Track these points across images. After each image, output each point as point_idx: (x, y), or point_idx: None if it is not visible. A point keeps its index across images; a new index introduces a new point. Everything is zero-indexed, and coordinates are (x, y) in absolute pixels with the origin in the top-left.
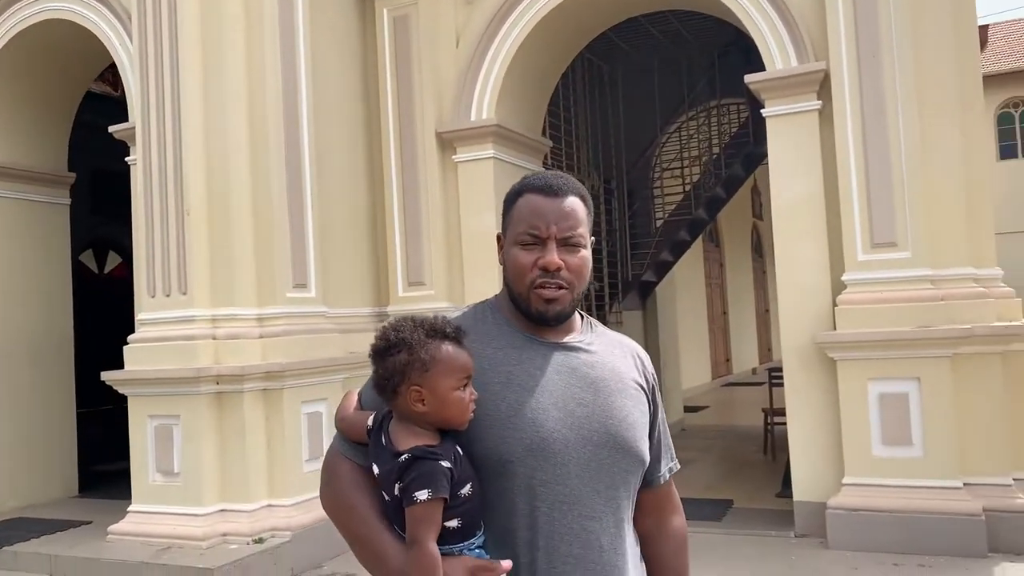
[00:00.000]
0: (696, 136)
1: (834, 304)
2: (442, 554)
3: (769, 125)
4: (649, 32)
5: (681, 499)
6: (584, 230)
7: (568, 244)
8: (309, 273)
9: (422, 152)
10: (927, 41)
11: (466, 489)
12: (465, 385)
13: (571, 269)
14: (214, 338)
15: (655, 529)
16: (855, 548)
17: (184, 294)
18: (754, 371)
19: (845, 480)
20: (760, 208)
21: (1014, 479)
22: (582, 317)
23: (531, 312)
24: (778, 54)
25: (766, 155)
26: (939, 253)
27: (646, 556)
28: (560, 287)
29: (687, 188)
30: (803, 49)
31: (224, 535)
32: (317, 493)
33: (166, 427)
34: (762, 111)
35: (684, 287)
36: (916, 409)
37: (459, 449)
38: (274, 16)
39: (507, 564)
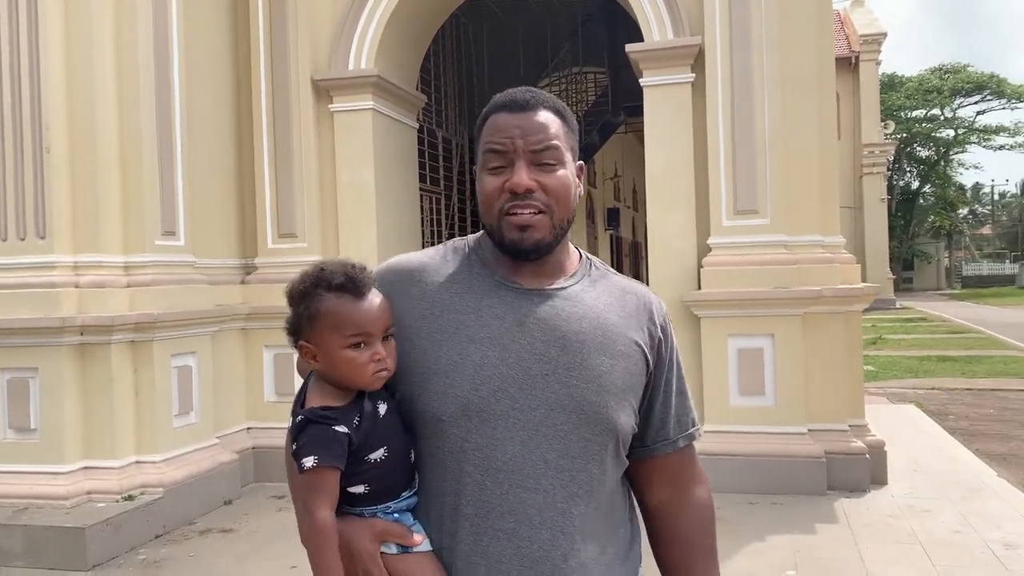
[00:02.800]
0: (561, 99)
1: (699, 266)
2: (353, 516)
3: (646, 94)
4: None
5: None
6: (561, 145)
7: (542, 163)
8: (178, 221)
9: (296, 99)
10: (792, 23)
11: (377, 454)
12: (359, 343)
13: (547, 190)
14: (77, 286)
15: (672, 503)
16: (715, 490)
17: (42, 238)
18: None
19: (705, 428)
20: (594, 176)
21: (849, 425)
22: (587, 261)
23: (505, 244)
24: (656, 26)
25: (622, 124)
26: (794, 221)
27: (664, 533)
28: (536, 211)
29: None
30: (680, 23)
31: (90, 493)
32: (189, 448)
33: (21, 380)
34: (640, 80)
35: None
36: (769, 363)
37: (381, 408)
38: None
39: (419, 538)
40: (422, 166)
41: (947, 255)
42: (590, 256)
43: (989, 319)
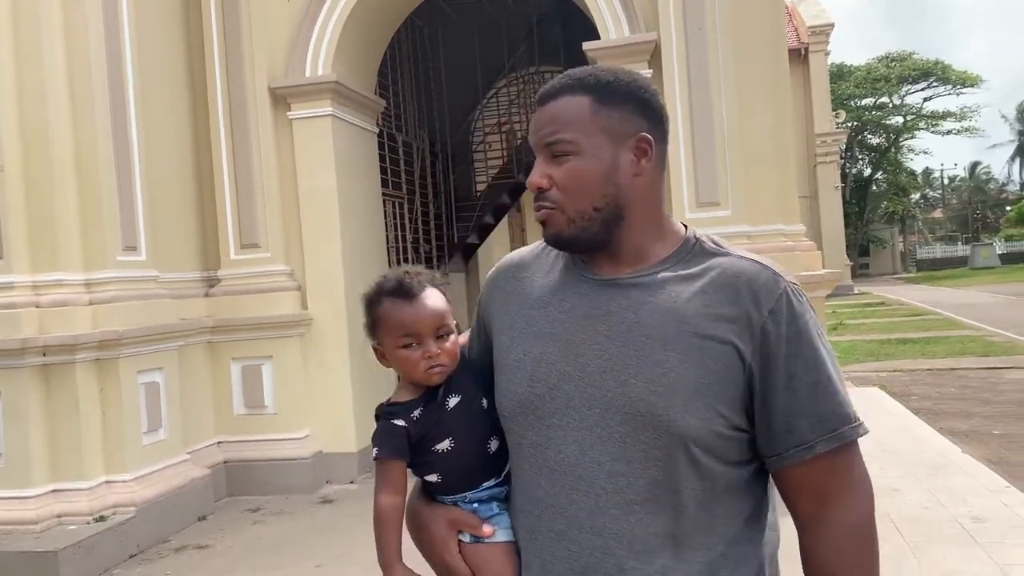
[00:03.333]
0: (517, 101)
1: None
2: (436, 503)
3: None
4: None
5: None
6: (574, 133)
7: (554, 156)
8: (139, 236)
9: (253, 108)
10: (745, 16)
11: (443, 445)
12: (410, 344)
13: (557, 184)
14: (37, 306)
15: (813, 520)
16: None
17: (0, 259)
18: None
19: None
20: None
21: None
22: (692, 241)
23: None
24: (612, 24)
25: None
26: (755, 212)
27: (804, 556)
28: (543, 208)
29: (508, 153)
30: (635, 20)
31: (60, 516)
32: (160, 465)
33: None
34: None
35: (495, 251)
36: None
37: (451, 401)
38: None
39: (488, 530)
40: (383, 171)
41: (901, 240)
42: (700, 236)
43: (944, 301)
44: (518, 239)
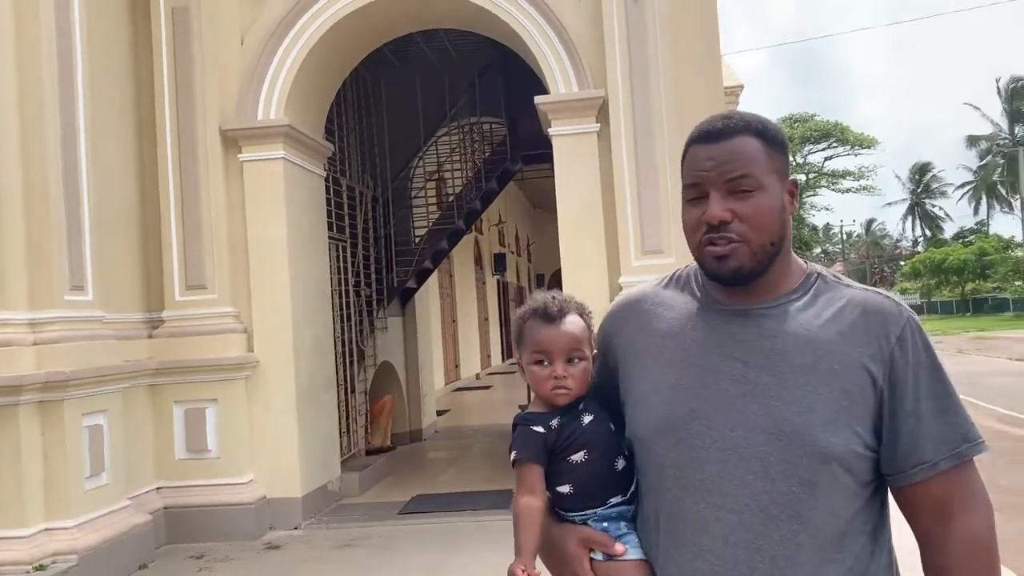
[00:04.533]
0: (458, 150)
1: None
2: (564, 521)
3: (555, 143)
4: (418, 47)
5: (466, 493)
6: (759, 171)
7: (738, 191)
8: (86, 275)
9: (203, 149)
10: (687, 76)
11: (578, 456)
12: (541, 360)
13: (743, 219)
14: None
15: (936, 534)
16: None
17: None
18: (477, 376)
19: None
20: (480, 223)
21: None
22: (814, 275)
23: (708, 273)
24: (561, 80)
25: (518, 172)
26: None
27: (927, 568)
28: (730, 241)
29: (448, 199)
30: (584, 76)
31: None
32: (102, 511)
33: None
34: (549, 130)
35: (429, 295)
36: None
37: (585, 418)
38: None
39: (620, 548)
40: (328, 214)
41: None
42: (820, 270)
43: None
44: (447, 284)
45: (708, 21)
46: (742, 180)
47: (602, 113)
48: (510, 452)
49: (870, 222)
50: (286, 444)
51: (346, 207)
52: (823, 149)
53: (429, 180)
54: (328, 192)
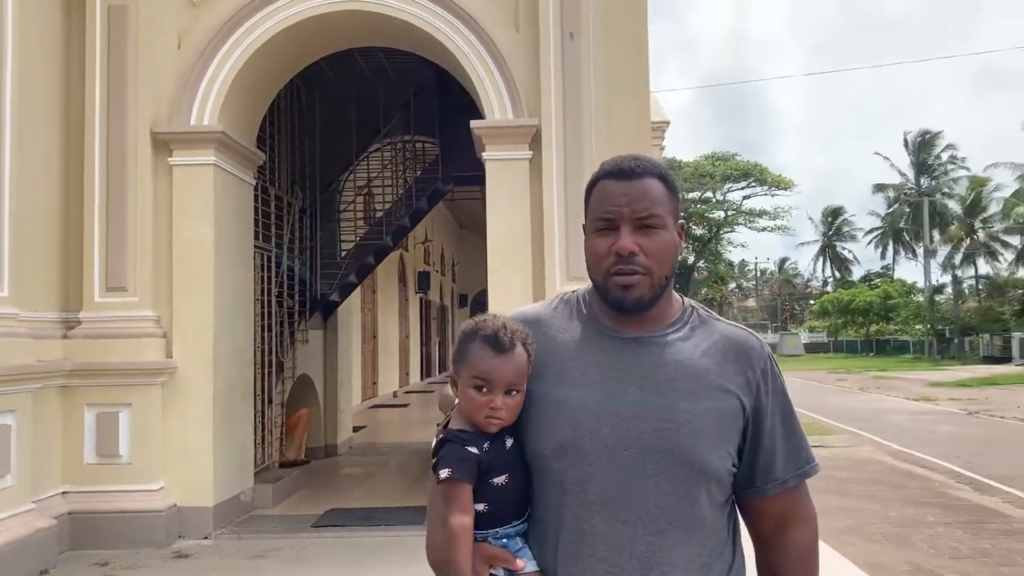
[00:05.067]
0: (390, 167)
1: None
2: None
3: (488, 167)
4: (355, 63)
5: (379, 509)
6: (662, 211)
7: (645, 227)
8: (2, 272)
9: (133, 151)
10: (616, 114)
11: (500, 479)
12: (479, 387)
13: (648, 253)
14: None
15: (774, 539)
16: None
17: None
18: (395, 394)
19: None
20: (406, 241)
21: None
22: (689, 309)
23: (609, 300)
24: (496, 106)
25: (448, 192)
26: None
27: (764, 568)
28: (636, 272)
29: (377, 215)
30: (519, 104)
31: None
32: (4, 514)
33: None
34: (483, 154)
35: (348, 311)
36: None
37: (508, 441)
38: None
39: (521, 563)
40: (255, 223)
41: None
42: (694, 304)
43: None
44: (369, 299)
45: (639, 58)
46: (649, 218)
47: (535, 141)
48: (436, 467)
49: (783, 260)
50: (200, 452)
51: (273, 216)
52: (742, 188)
53: (358, 195)
54: (256, 201)
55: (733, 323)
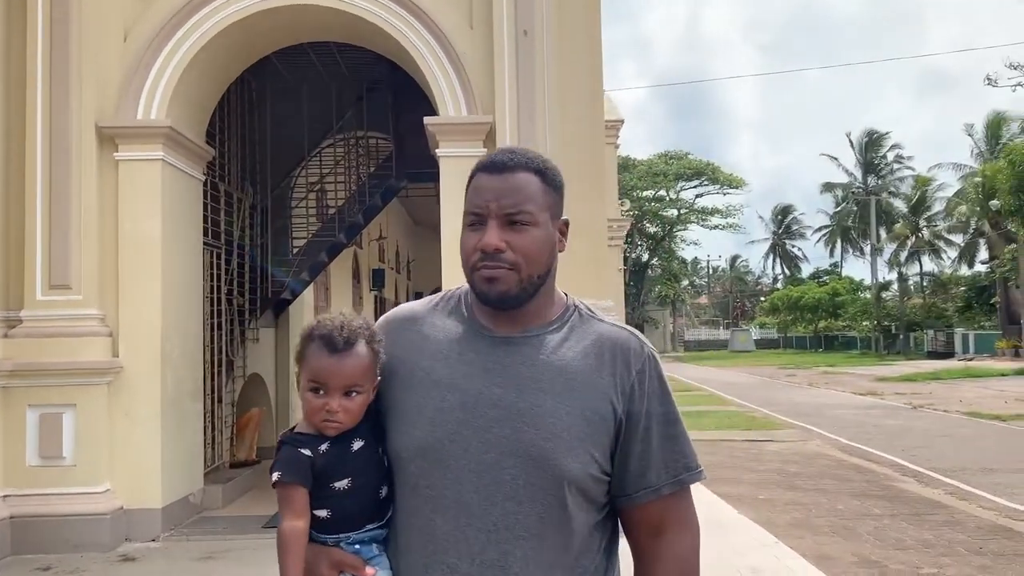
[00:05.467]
0: (344, 163)
1: None
2: (317, 543)
3: (442, 164)
4: (307, 58)
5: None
6: (534, 207)
7: (514, 222)
8: None
9: (77, 146)
10: (572, 107)
11: (342, 483)
12: (318, 390)
13: (516, 249)
14: None
15: (649, 549)
16: None
17: None
18: None
19: None
20: (361, 238)
21: None
22: (571, 308)
23: (477, 295)
24: (450, 102)
25: (402, 189)
26: (573, 287)
27: (638, 574)
28: (500, 267)
29: (330, 212)
30: (472, 100)
31: None
32: None
33: None
34: (436, 151)
35: (304, 308)
36: None
37: (355, 444)
38: None
39: (370, 571)
40: (204, 219)
41: (672, 321)
42: (580, 303)
43: (710, 379)
44: (322, 297)
45: (593, 56)
46: (518, 214)
47: (489, 138)
48: (272, 471)
49: (735, 258)
50: (148, 453)
51: (223, 213)
52: (695, 186)
53: (311, 191)
54: (206, 197)
55: (616, 323)
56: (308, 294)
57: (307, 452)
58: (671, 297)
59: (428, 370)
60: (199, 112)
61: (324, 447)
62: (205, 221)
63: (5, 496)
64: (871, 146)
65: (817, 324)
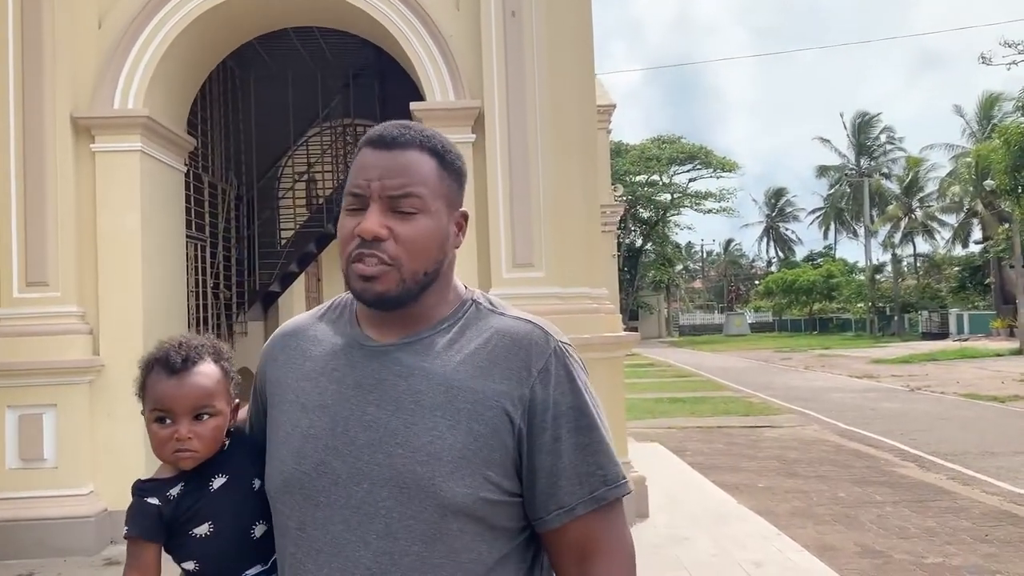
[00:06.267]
0: (330, 151)
1: None
2: None
3: None
4: (291, 44)
5: None
6: (425, 191)
7: (399, 209)
8: None
9: (52, 137)
10: (562, 91)
11: (201, 529)
12: (163, 418)
13: (400, 240)
14: None
15: None
16: None
17: None
18: None
19: None
20: None
21: None
22: (468, 303)
23: (353, 292)
24: (437, 87)
25: None
26: (565, 274)
27: None
28: (381, 262)
29: (318, 202)
30: (460, 85)
31: None
32: None
33: None
34: None
35: (294, 299)
36: None
37: (216, 482)
38: None
39: None
40: (187, 211)
41: (666, 306)
42: (482, 296)
43: (706, 364)
44: (314, 288)
45: (584, 39)
46: (404, 199)
47: (478, 123)
48: (124, 525)
49: (729, 242)
50: (132, 453)
51: (207, 205)
52: (688, 170)
53: (298, 181)
54: (188, 188)
55: (520, 315)
56: (299, 285)
57: (154, 501)
58: (665, 282)
59: (299, 392)
60: (179, 101)
61: (176, 491)
62: (188, 213)
63: None
64: (864, 127)
65: (812, 307)
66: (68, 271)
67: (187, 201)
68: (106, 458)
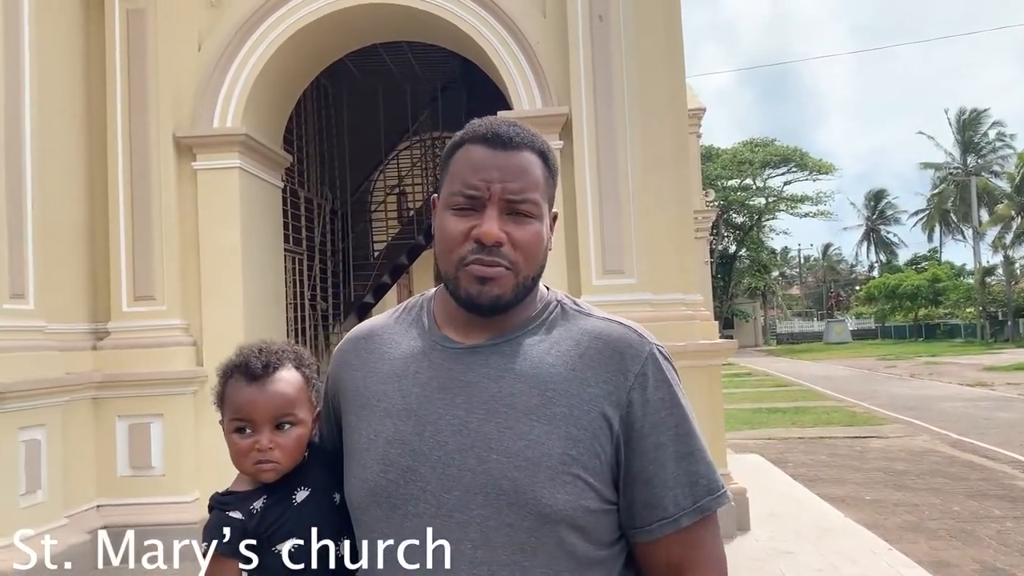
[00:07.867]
0: (420, 164)
1: None
2: None
3: None
4: (380, 58)
5: None
6: (540, 197)
7: (516, 212)
8: (28, 283)
9: (156, 157)
10: (652, 93)
11: (286, 546)
12: (241, 428)
13: (517, 245)
14: None
15: None
16: None
17: None
18: None
19: None
20: None
21: None
22: (552, 304)
23: (460, 296)
24: (525, 95)
25: None
26: (657, 281)
27: None
28: (498, 265)
29: (408, 214)
30: (548, 92)
31: None
32: (36, 531)
33: None
34: None
35: (384, 310)
36: None
37: (299, 495)
38: None
39: None
40: (285, 226)
41: (762, 314)
42: (565, 297)
43: (805, 373)
44: (405, 299)
45: (673, 41)
46: (523, 203)
47: (566, 130)
48: (202, 541)
49: (827, 246)
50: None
51: (303, 219)
52: (783, 174)
53: (389, 194)
54: (285, 203)
55: (609, 317)
56: (391, 297)
57: (237, 515)
58: (761, 289)
59: (380, 396)
60: (275, 118)
61: (259, 504)
62: (285, 228)
63: (99, 506)
64: (970, 124)
65: (917, 312)
66: (173, 285)
67: (284, 216)
68: (210, 466)
